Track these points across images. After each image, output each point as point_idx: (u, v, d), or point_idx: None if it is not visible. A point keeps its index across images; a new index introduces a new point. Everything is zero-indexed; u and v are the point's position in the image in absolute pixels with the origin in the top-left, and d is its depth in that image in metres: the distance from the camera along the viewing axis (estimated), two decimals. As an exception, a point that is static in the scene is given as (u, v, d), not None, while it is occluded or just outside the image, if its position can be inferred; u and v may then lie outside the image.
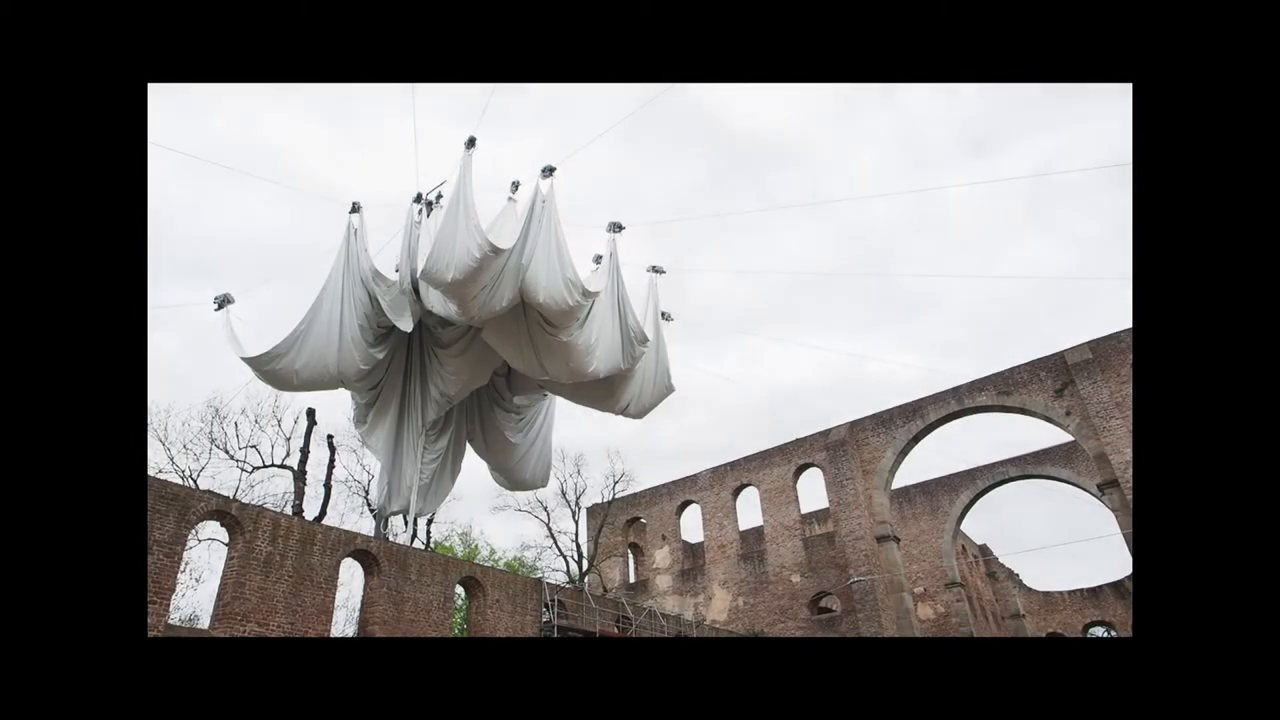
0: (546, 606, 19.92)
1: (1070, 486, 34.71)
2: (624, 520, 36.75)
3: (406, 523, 23.48)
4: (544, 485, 24.65)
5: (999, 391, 28.31)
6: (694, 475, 35.60)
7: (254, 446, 26.40)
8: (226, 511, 14.09)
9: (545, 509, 34.11)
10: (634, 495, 36.65)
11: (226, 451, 26.08)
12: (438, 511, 28.35)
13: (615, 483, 35.25)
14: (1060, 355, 27.06)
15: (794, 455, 32.93)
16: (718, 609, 31.63)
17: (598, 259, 20.69)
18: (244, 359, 17.83)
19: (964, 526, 38.06)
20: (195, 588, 26.50)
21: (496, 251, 16.46)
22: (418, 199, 20.17)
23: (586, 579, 32.41)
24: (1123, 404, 24.59)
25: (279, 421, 27.13)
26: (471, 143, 17.38)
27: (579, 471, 34.97)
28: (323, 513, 25.09)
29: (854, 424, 31.82)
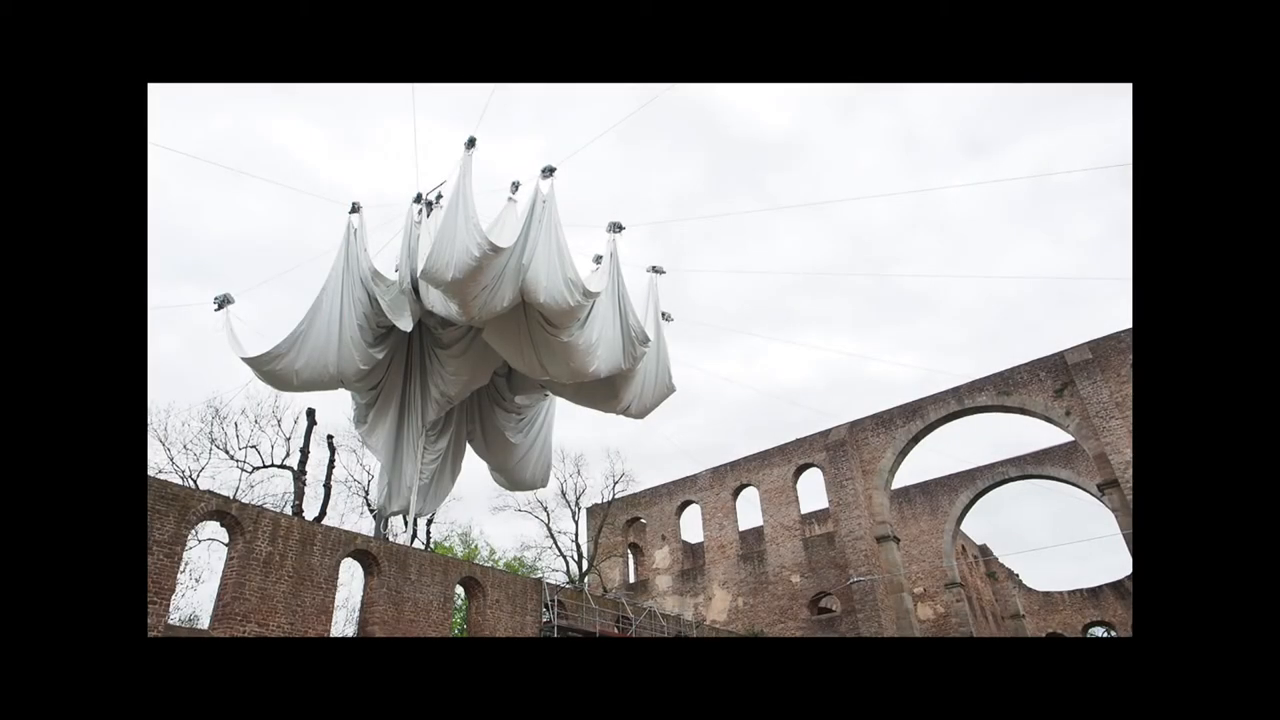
0: (546, 607, 19.92)
1: (1070, 486, 34.71)
2: (624, 520, 36.74)
3: (406, 523, 23.48)
4: (544, 485, 24.64)
5: (999, 391, 28.31)
6: (694, 475, 35.59)
7: (254, 447, 26.41)
8: (226, 511, 14.09)
9: (545, 509, 34.13)
10: (634, 495, 36.65)
11: (226, 452, 26.08)
12: (438, 511, 28.36)
13: (615, 483, 35.26)
14: (1060, 355, 27.06)
15: (794, 455, 32.93)
16: (718, 609, 31.62)
17: (598, 259, 20.69)
18: (244, 359, 17.83)
19: (964, 527, 38.06)
20: (195, 588, 26.51)
21: (496, 251, 16.45)
22: (417, 199, 20.16)
23: (586, 579, 32.42)
24: (1123, 404, 24.59)
25: (279, 421, 27.15)
26: (471, 143, 17.37)
27: (579, 471, 34.99)
28: (323, 513, 25.09)
29: (854, 424, 31.81)
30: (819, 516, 38.61)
